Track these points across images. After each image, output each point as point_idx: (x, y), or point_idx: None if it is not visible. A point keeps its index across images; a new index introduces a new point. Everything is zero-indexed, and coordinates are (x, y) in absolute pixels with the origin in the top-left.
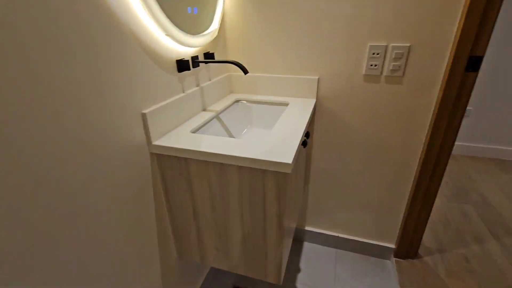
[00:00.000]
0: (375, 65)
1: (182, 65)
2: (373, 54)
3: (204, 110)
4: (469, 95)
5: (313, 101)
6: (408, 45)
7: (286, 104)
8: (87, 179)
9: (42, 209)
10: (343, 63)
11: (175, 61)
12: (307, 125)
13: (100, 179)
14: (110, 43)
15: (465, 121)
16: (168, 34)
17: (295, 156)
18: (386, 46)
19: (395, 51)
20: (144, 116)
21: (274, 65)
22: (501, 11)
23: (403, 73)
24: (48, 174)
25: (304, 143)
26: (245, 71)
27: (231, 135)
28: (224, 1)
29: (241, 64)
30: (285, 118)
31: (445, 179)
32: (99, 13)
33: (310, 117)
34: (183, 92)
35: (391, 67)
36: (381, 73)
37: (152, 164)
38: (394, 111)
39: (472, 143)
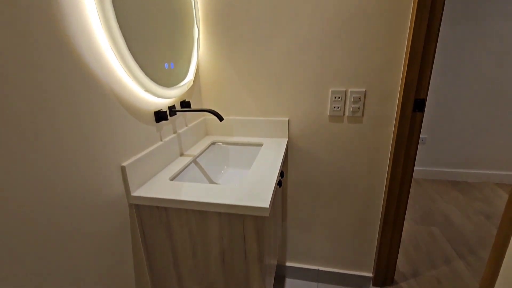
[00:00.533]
0: (338, 107)
1: (160, 116)
2: (335, 98)
3: (181, 155)
4: (419, 131)
5: (285, 140)
6: (364, 90)
7: (260, 145)
8: (64, 233)
9: (18, 264)
10: (310, 106)
11: (153, 113)
12: (281, 165)
13: (77, 233)
14: (92, 103)
15: (422, 148)
16: (147, 90)
17: (271, 200)
18: (346, 91)
19: (353, 95)
20: (123, 168)
21: (248, 108)
22: (447, 53)
23: (362, 113)
24: (20, 229)
25: (279, 183)
26: (221, 118)
27: (209, 178)
28: (198, 53)
29: (216, 112)
30: (260, 160)
31: (411, 203)
32: (83, 79)
33: (283, 157)
34: (161, 140)
35: (351, 109)
36: (344, 114)
37: (131, 214)
38: (358, 147)
39: (431, 168)
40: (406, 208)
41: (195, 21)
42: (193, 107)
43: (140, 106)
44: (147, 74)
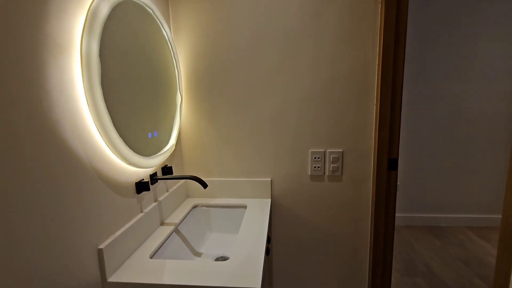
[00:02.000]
0: (318, 167)
1: (141, 187)
2: (315, 158)
3: (162, 223)
4: (395, 188)
5: (269, 201)
6: (341, 150)
7: (244, 207)
8: None
9: None
10: (291, 166)
11: (134, 184)
12: (266, 232)
13: None
14: (71, 183)
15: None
16: (130, 163)
17: (261, 277)
18: (324, 152)
19: (332, 156)
20: (100, 251)
21: (230, 169)
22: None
23: (342, 172)
24: None
25: (267, 251)
26: (204, 186)
27: (192, 249)
28: (180, 119)
29: (200, 179)
30: (245, 226)
31: (394, 253)
32: (62, 159)
33: (268, 221)
34: (142, 212)
35: (331, 168)
36: (324, 173)
37: None
38: (340, 205)
39: (407, 213)
40: (391, 266)
41: (178, 88)
42: (175, 172)
43: (121, 179)
44: (131, 146)
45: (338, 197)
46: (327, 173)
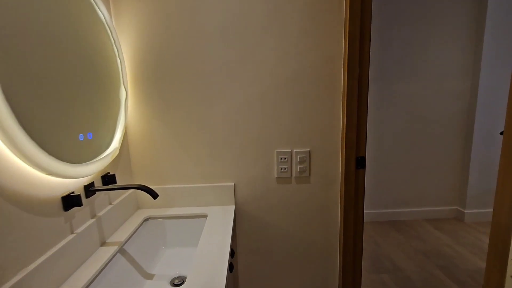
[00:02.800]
0: (285, 168)
1: (70, 202)
2: (281, 159)
3: (103, 244)
4: (363, 187)
5: (232, 208)
6: (308, 149)
7: (205, 216)
8: None
9: None
10: (256, 168)
11: (60, 199)
12: (229, 244)
13: None
14: None
15: None
16: (49, 172)
17: None
18: (291, 152)
19: (299, 156)
20: None
21: (188, 174)
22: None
23: (309, 173)
24: None
25: (230, 267)
26: (155, 196)
27: (141, 270)
28: (126, 117)
29: (149, 188)
30: (204, 241)
31: None
32: None
33: (232, 231)
34: (72, 233)
35: (298, 169)
36: (291, 174)
37: None
38: (309, 207)
39: (370, 210)
40: (361, 268)
41: (122, 82)
42: (120, 180)
43: (39, 194)
44: (51, 151)
45: (306, 199)
46: (294, 175)
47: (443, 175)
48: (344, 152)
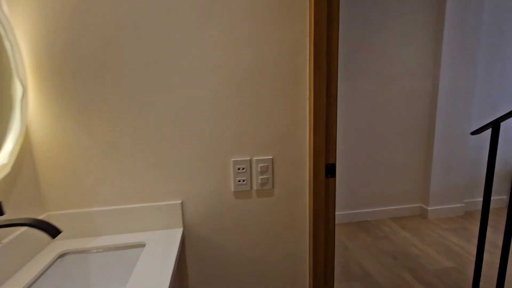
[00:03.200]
0: (243, 180)
1: None
2: (239, 169)
3: None
4: (334, 198)
5: (179, 231)
6: (271, 157)
7: (142, 245)
8: None
9: None
10: (208, 182)
11: None
12: (171, 278)
13: None
14: None
15: None
16: None
17: None
18: (250, 160)
19: (260, 165)
20: None
21: (120, 193)
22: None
23: (273, 185)
24: None
25: None
26: (53, 233)
27: None
28: (25, 120)
29: (45, 224)
30: (135, 281)
31: None
32: None
33: (176, 260)
34: None
35: (259, 181)
36: (251, 187)
37: None
38: (273, 224)
39: (338, 212)
40: (333, 285)
41: (15, 73)
42: (16, 210)
43: None
44: None
45: (270, 215)
46: (255, 187)
47: (407, 173)
48: (312, 159)
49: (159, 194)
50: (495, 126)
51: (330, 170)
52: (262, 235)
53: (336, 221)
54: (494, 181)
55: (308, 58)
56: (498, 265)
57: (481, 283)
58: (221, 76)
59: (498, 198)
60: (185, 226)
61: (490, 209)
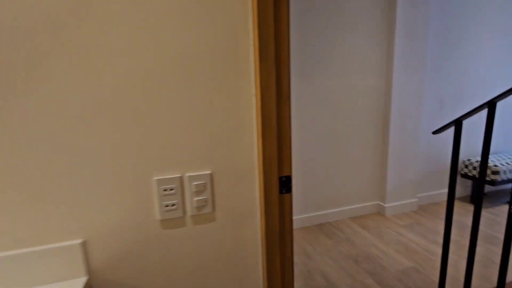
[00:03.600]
0: (173, 205)
1: None
2: (166, 190)
3: None
4: (291, 218)
5: (81, 282)
6: (209, 172)
7: None
8: None
9: None
10: (122, 210)
11: None
12: None
13: None
14: None
15: None
16: None
17: None
18: (181, 178)
19: (194, 183)
20: None
21: None
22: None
23: (213, 207)
24: None
25: None
26: None
27: None
28: None
29: None
30: None
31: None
32: None
33: None
34: None
35: (195, 204)
36: (184, 213)
37: None
38: (214, 258)
39: (299, 216)
40: None
41: None
42: None
43: None
44: None
45: (211, 246)
46: (189, 212)
47: (365, 172)
48: (262, 172)
49: (48, 233)
50: (457, 124)
51: (285, 184)
52: (200, 271)
53: (296, 225)
54: (443, 175)
55: (252, 45)
56: (456, 262)
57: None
58: (134, 66)
59: (445, 192)
60: (91, 272)
61: (440, 203)
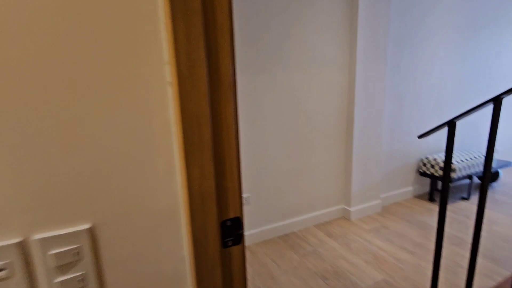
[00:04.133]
0: None
1: None
2: None
3: None
4: (245, 282)
5: None
6: (87, 227)
7: None
8: None
9: None
10: None
11: None
12: None
13: None
14: None
15: (247, 209)
16: None
17: None
18: (23, 244)
19: (53, 251)
20: None
21: None
22: (251, 103)
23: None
24: None
25: None
26: None
27: None
28: None
29: None
30: None
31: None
32: None
33: None
34: None
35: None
36: None
37: None
38: None
39: (260, 228)
40: None
41: None
42: None
43: None
44: None
45: None
46: None
47: (329, 174)
48: (189, 215)
49: None
50: (451, 125)
51: (232, 231)
52: None
53: (258, 239)
54: (404, 174)
55: None
56: (423, 268)
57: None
58: None
59: (406, 190)
60: None
61: (402, 202)
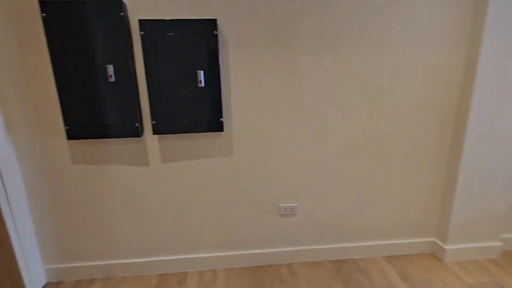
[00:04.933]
0: None
1: None
2: None
3: None
4: None
5: None
6: None
7: None
8: None
9: None
10: None
11: None
12: None
13: None
14: None
15: (294, 221)
16: None
17: None
18: None
19: None
20: None
21: None
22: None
23: None
24: None
25: None
26: None
27: None
28: None
29: None
30: None
31: None
32: None
33: None
34: None
35: None
36: None
37: None
38: None
39: (308, 246)
40: None
41: None
42: None
43: None
44: None
45: None
46: None
47: (417, 193)
48: None
49: None
50: None
51: None
52: None
53: (305, 258)
54: None
55: None
56: None
57: None
58: None
59: None
60: None
61: None
